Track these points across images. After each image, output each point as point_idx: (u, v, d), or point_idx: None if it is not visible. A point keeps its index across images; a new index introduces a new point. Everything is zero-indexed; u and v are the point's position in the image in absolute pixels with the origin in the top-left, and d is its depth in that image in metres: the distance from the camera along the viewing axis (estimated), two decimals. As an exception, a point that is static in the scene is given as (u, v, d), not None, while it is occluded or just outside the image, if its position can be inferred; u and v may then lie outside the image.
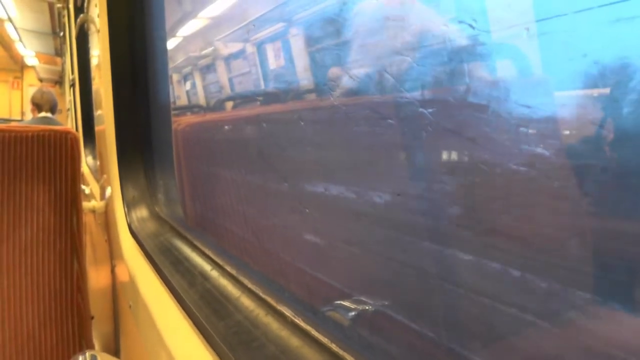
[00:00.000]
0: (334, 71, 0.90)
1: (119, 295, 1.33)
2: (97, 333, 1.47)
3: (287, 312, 0.57)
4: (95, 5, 1.38)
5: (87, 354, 0.79)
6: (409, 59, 0.53)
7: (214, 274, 0.76)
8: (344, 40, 0.69)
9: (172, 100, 1.46)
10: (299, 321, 0.54)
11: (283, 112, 0.98)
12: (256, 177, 1.08)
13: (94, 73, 1.80)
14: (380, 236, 0.60)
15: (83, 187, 1.46)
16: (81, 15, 1.74)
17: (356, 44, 0.72)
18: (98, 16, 1.31)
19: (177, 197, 1.23)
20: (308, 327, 0.53)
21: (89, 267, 1.44)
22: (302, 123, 0.81)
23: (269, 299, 0.61)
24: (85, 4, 1.76)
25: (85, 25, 1.74)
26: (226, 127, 1.22)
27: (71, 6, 3.02)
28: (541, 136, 0.41)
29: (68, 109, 6.30)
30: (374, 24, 0.63)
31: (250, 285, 0.66)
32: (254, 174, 1.09)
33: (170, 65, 1.46)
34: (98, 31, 1.34)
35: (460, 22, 0.45)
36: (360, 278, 0.65)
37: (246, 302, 0.64)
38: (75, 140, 1.27)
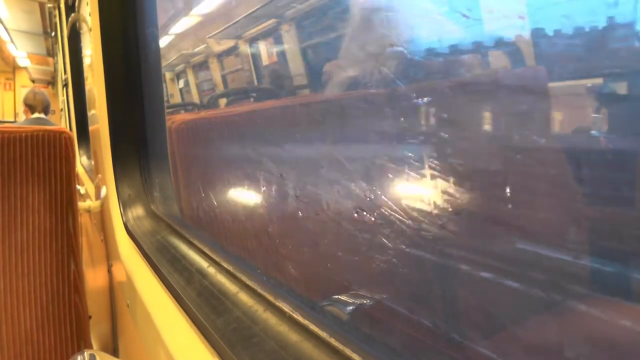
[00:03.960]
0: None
1: (117, 294, 1.32)
2: (95, 332, 1.47)
3: (286, 308, 0.57)
4: (87, 4, 1.37)
5: (86, 354, 0.79)
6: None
7: (211, 270, 0.76)
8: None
9: (165, 98, 1.46)
10: (297, 316, 0.54)
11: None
12: (251, 170, 1.08)
13: (87, 72, 1.80)
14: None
15: (78, 187, 1.45)
16: (72, 14, 1.73)
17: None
18: (90, 15, 1.30)
19: (173, 195, 1.23)
20: (306, 322, 0.53)
21: (86, 267, 1.44)
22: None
23: (267, 295, 0.61)
24: (77, 3, 1.74)
25: (77, 24, 1.73)
26: (220, 123, 1.22)
27: (62, 5, 3.01)
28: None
29: (61, 110, 6.28)
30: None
31: (247, 282, 0.66)
32: (248, 167, 1.09)
33: (163, 63, 1.46)
34: (90, 30, 1.34)
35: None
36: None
37: (244, 298, 0.64)
38: (69, 140, 1.27)
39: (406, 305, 0.69)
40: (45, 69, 11.59)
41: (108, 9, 1.23)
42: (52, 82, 11.96)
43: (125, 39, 1.27)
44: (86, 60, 1.81)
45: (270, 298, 0.60)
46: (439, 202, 0.54)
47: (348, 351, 0.48)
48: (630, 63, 0.39)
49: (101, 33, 1.24)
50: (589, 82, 0.45)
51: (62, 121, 5.93)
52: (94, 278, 1.71)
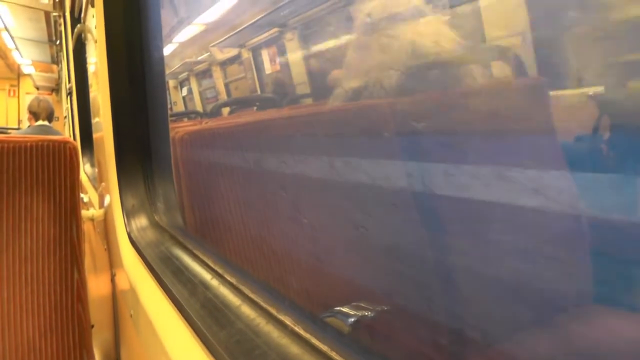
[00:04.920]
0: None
1: (120, 304, 1.33)
2: (97, 341, 1.47)
3: (288, 321, 0.57)
4: (92, 16, 1.38)
5: (89, 364, 0.80)
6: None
7: (214, 282, 0.76)
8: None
9: (168, 106, 1.47)
10: (299, 329, 0.55)
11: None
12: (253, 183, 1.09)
13: (91, 80, 1.81)
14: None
15: (82, 195, 1.46)
16: (78, 26, 1.75)
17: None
18: (95, 27, 1.32)
19: (176, 206, 1.24)
20: (308, 336, 0.54)
21: (89, 276, 1.44)
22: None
23: (269, 308, 0.62)
24: (82, 15, 1.76)
25: (83, 35, 1.75)
26: (223, 134, 1.23)
27: (67, 15, 3.03)
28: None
29: (65, 117, 6.31)
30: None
31: (250, 294, 0.67)
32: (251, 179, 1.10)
33: (166, 71, 1.47)
34: (95, 41, 1.35)
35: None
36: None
37: (247, 311, 0.64)
38: (74, 150, 1.28)
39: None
40: (50, 76, 11.65)
41: (114, 21, 1.24)
42: (56, 89, 12.02)
43: (129, 50, 1.28)
44: (91, 68, 1.83)
45: (273, 311, 0.61)
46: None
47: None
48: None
49: (106, 44, 1.26)
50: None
51: (66, 128, 5.96)
52: (96, 286, 1.72)
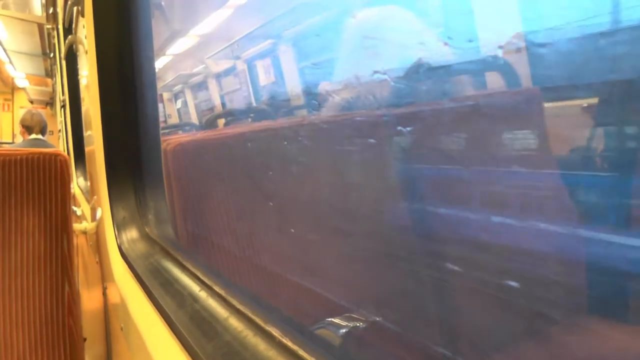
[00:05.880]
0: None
1: (111, 317, 1.32)
2: (89, 355, 1.46)
3: (275, 332, 0.56)
4: (83, 27, 1.38)
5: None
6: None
7: (203, 294, 0.75)
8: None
9: (163, 118, 1.47)
10: (287, 341, 0.54)
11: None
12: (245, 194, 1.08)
13: (83, 93, 1.81)
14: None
15: (75, 208, 1.45)
16: (69, 37, 1.75)
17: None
18: (86, 37, 1.31)
19: (167, 217, 1.23)
20: (295, 347, 0.53)
21: (81, 289, 1.43)
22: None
23: (257, 319, 0.61)
24: (73, 25, 1.76)
25: (74, 46, 1.75)
26: (215, 145, 1.23)
27: (60, 27, 3.04)
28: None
29: (60, 130, 6.30)
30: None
31: (238, 306, 0.66)
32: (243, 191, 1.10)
33: (161, 84, 1.47)
34: (86, 52, 1.35)
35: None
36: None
37: (234, 322, 0.63)
38: (65, 162, 1.27)
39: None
40: (44, 90, 11.65)
41: (104, 32, 1.24)
42: (50, 103, 12.02)
43: (120, 61, 1.28)
44: (83, 81, 1.83)
45: (260, 322, 0.60)
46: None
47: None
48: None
49: (97, 55, 1.26)
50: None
51: (60, 142, 5.95)
52: (89, 299, 1.70)
